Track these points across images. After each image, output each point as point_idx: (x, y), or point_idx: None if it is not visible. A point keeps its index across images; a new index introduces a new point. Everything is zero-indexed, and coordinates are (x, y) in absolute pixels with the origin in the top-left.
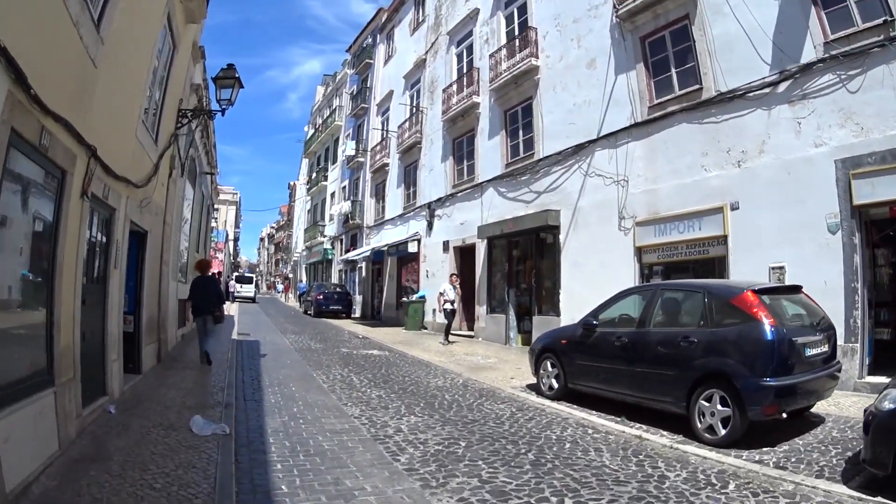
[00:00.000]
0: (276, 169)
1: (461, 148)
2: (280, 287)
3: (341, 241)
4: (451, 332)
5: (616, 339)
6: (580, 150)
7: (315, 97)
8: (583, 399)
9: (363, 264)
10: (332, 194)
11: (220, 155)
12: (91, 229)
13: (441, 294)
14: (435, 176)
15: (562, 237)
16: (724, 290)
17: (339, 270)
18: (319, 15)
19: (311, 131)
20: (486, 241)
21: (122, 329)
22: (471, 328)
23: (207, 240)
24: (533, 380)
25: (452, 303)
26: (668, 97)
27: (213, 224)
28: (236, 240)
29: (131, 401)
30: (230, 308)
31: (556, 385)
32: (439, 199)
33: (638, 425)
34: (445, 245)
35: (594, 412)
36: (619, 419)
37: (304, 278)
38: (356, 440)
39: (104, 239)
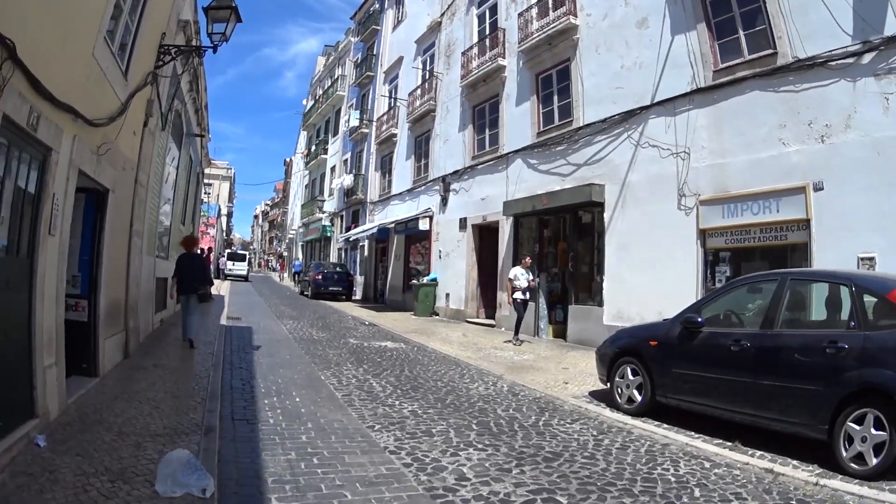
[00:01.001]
0: (271, 147)
1: (482, 115)
2: (276, 265)
3: (341, 217)
4: (469, 320)
5: (732, 343)
6: (630, 117)
7: (315, 68)
8: (668, 414)
9: (366, 243)
10: (333, 168)
11: (213, 132)
12: (2, 173)
13: (511, 280)
14: (451, 146)
15: (606, 216)
16: (878, 284)
17: (339, 249)
18: None
19: (311, 103)
20: (511, 218)
21: (70, 318)
22: (489, 315)
23: (197, 212)
24: (591, 384)
25: (525, 291)
26: (737, 61)
27: (205, 198)
28: (229, 215)
29: (73, 424)
30: (221, 287)
31: (638, 397)
32: (456, 172)
33: (758, 453)
34: (463, 222)
35: (694, 434)
36: (731, 444)
37: (301, 257)
38: (406, 501)
39: (34, 192)
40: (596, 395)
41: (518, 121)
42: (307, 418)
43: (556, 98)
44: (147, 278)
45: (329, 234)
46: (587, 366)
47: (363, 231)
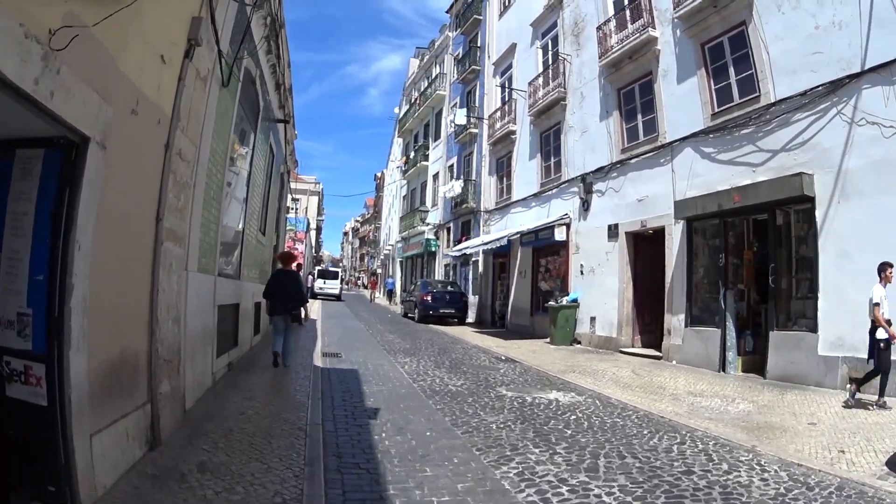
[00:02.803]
0: (359, 164)
1: (631, 98)
2: (366, 282)
3: (448, 229)
4: (623, 349)
5: None
6: (837, 88)
7: (408, 72)
8: None
9: (480, 257)
10: (436, 175)
11: (299, 151)
12: None
13: (877, 306)
14: (590, 139)
15: (819, 213)
16: None
17: (445, 265)
18: (397, 10)
19: (406, 107)
20: (683, 223)
21: (17, 398)
22: (648, 344)
23: (282, 222)
24: (875, 450)
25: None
26: None
27: (291, 209)
28: (319, 230)
29: None
30: (311, 308)
31: None
32: (599, 170)
33: None
34: (612, 230)
35: None
36: None
37: (399, 273)
38: None
39: None
40: None
41: (681, 102)
42: None
43: (731, 70)
44: (200, 308)
45: (433, 249)
46: (835, 418)
47: (481, 244)
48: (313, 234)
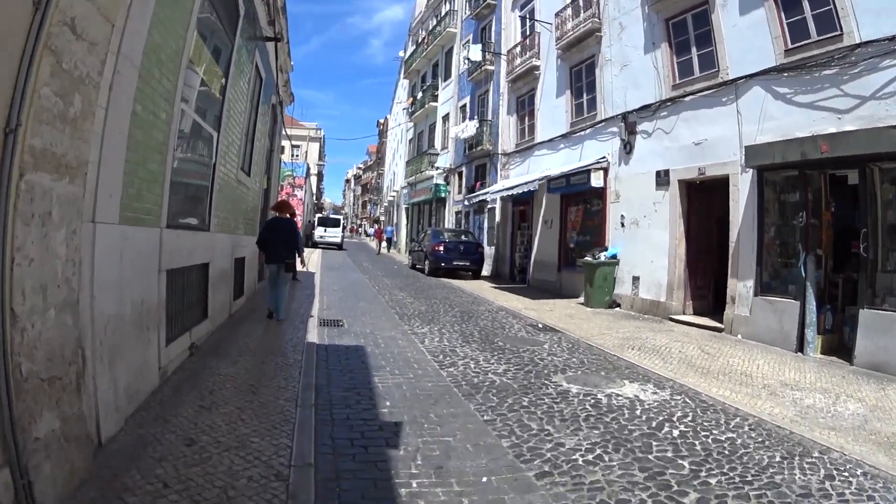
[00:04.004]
0: (361, 113)
1: (682, 30)
2: (371, 231)
3: (459, 174)
4: (673, 317)
5: None
6: None
7: (414, 11)
8: None
9: (498, 205)
10: (445, 117)
11: (300, 99)
12: None
13: None
14: (631, 74)
15: None
16: None
17: (457, 213)
18: None
19: (412, 49)
20: (754, 172)
21: None
22: (701, 311)
23: (274, 163)
24: None
25: None
26: None
27: (294, 156)
28: (320, 176)
29: None
30: (311, 258)
31: None
32: (645, 108)
33: None
34: (662, 176)
35: None
36: None
37: (404, 222)
38: None
39: None
40: None
41: (746, 35)
42: None
43: (806, 4)
44: (127, 277)
45: (443, 195)
46: None
47: (503, 189)
48: (314, 180)
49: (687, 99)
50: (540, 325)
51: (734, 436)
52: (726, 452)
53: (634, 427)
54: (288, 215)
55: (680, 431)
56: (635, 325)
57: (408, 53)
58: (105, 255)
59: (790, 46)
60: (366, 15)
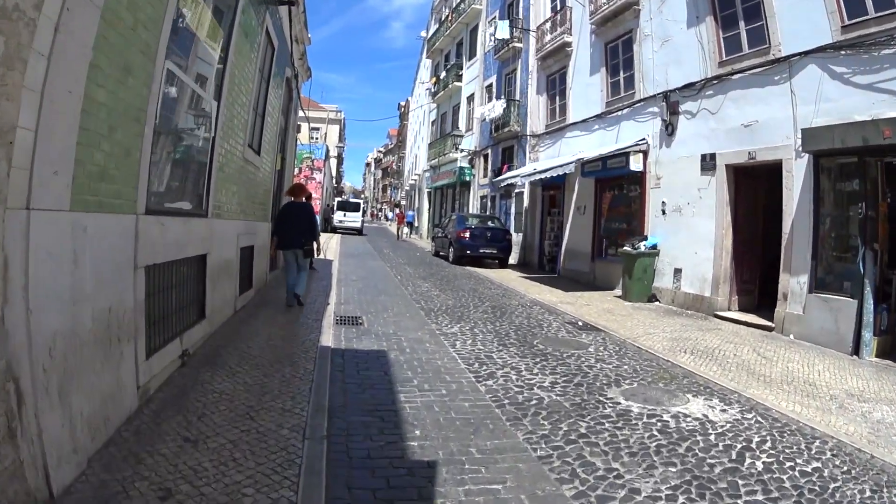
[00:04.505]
0: (381, 97)
1: (729, 2)
2: (391, 215)
3: (485, 156)
4: (719, 313)
5: None
6: None
7: None
8: None
9: (526, 189)
10: (470, 97)
11: (320, 81)
12: None
13: None
14: (674, 50)
15: None
16: None
17: (482, 197)
18: None
19: (435, 28)
20: (809, 157)
21: None
22: (746, 307)
23: (289, 142)
24: None
25: None
26: None
27: (313, 139)
28: (340, 159)
29: None
30: (329, 244)
31: None
32: (689, 86)
33: None
34: (708, 160)
35: None
36: None
37: (426, 206)
38: None
39: None
40: None
41: (800, 7)
42: None
43: None
44: (84, 281)
45: (468, 179)
46: None
47: (534, 172)
48: (333, 162)
49: (735, 77)
50: (580, 323)
51: (819, 465)
52: (817, 489)
53: (714, 460)
54: (304, 199)
55: (763, 463)
56: (681, 323)
57: (430, 32)
58: (47, 254)
59: (846, 23)
60: None
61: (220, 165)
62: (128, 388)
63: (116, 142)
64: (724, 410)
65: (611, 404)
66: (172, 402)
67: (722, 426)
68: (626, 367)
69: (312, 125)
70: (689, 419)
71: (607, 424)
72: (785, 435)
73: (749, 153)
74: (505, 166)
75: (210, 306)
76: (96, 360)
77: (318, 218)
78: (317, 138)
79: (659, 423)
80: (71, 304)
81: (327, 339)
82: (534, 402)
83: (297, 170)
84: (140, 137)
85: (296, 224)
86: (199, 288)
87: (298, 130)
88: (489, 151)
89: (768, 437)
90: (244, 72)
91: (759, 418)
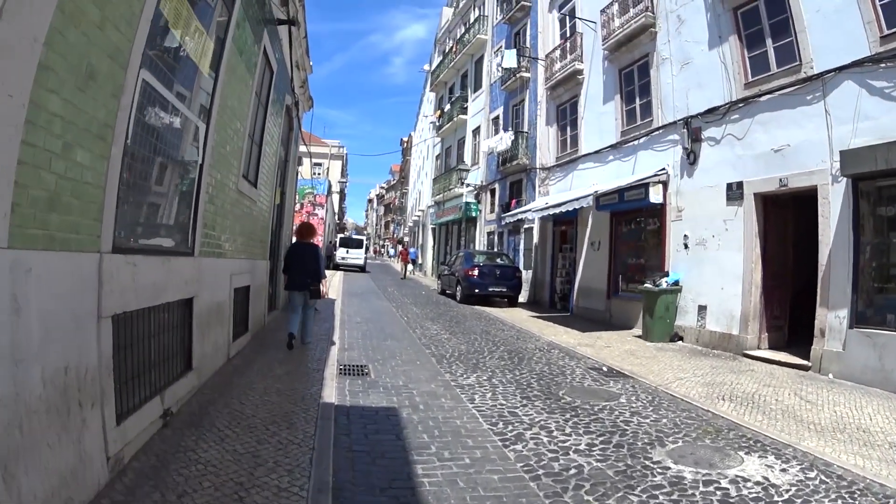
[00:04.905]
0: (383, 132)
1: (754, 18)
2: (393, 252)
3: (492, 191)
4: (748, 352)
5: None
6: None
7: (440, 21)
8: None
9: (536, 224)
10: (476, 130)
11: (321, 118)
12: None
13: None
14: (695, 73)
15: None
16: None
17: (489, 233)
18: None
19: (438, 60)
20: (848, 182)
21: None
22: (777, 345)
23: (289, 174)
24: None
25: None
26: None
27: (315, 174)
28: (342, 195)
29: None
30: (332, 281)
31: None
32: (712, 111)
33: None
34: (734, 189)
35: None
36: None
37: (431, 243)
38: None
39: None
40: None
41: (833, 20)
42: None
43: None
44: (45, 333)
45: (474, 214)
46: None
47: (546, 207)
48: (336, 198)
49: (763, 99)
50: (604, 369)
51: None
52: None
53: None
54: (311, 239)
55: None
56: (710, 365)
57: (434, 65)
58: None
59: (885, 32)
60: (387, 33)
61: (209, 197)
62: (94, 461)
63: (74, 162)
64: (784, 470)
65: (659, 469)
66: (150, 475)
67: (787, 490)
68: (664, 420)
69: (315, 160)
70: (749, 484)
71: (661, 498)
72: (856, 496)
73: (780, 180)
74: (513, 201)
75: (198, 356)
76: (51, 432)
77: (323, 256)
78: (319, 173)
79: (719, 493)
80: (11, 364)
81: (330, 393)
82: (572, 470)
83: (298, 205)
84: (106, 159)
85: (303, 265)
86: (185, 336)
87: (300, 164)
88: (496, 186)
89: (839, 500)
90: (237, 91)
91: (823, 476)
